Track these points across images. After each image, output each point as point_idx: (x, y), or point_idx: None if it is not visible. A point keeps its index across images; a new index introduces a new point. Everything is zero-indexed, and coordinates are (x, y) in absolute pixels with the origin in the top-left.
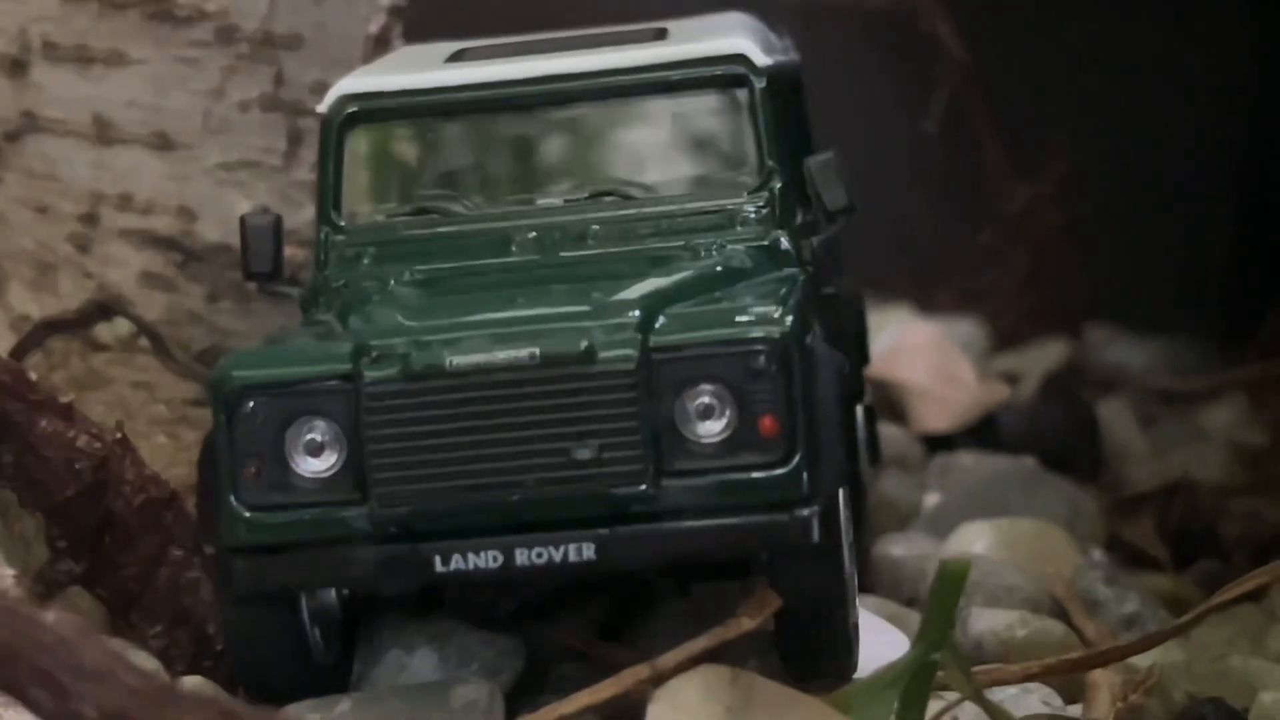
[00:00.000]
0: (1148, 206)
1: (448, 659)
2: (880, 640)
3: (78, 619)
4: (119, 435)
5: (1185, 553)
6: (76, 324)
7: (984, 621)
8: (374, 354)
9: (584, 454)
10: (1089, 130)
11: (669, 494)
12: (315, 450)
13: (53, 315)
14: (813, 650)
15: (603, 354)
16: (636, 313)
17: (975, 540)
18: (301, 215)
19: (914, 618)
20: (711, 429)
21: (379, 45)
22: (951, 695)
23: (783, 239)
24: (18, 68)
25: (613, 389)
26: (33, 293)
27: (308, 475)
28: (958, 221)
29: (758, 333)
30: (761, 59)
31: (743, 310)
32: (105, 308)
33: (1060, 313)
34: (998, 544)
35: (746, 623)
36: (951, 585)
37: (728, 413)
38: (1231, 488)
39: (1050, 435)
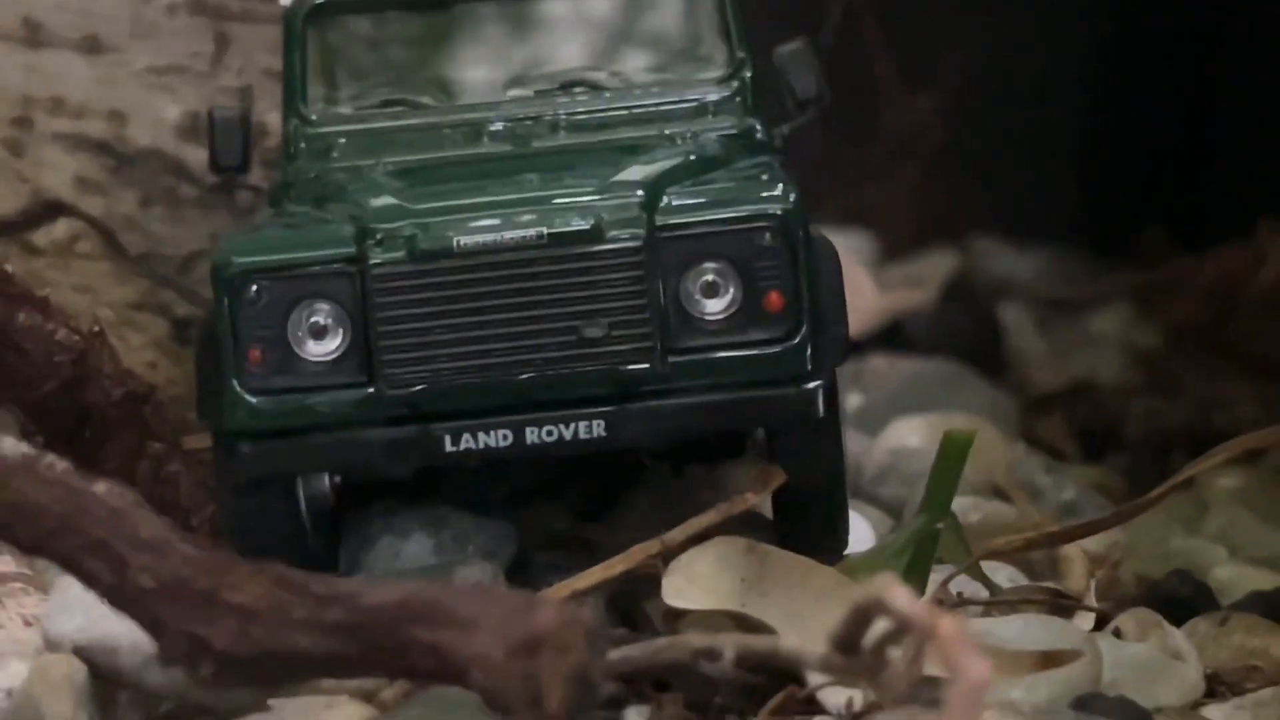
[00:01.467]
0: (1027, 120)
1: (443, 544)
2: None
3: (128, 491)
4: (96, 329)
5: (1092, 449)
6: (23, 224)
7: None
8: (379, 236)
9: (593, 332)
10: (977, 45)
11: (676, 371)
12: (319, 333)
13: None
14: (811, 524)
15: (610, 233)
16: (640, 193)
17: (909, 435)
18: None
19: (858, 506)
20: (717, 306)
21: None
22: (945, 568)
23: (756, 126)
24: None
25: (621, 267)
26: None
27: (312, 359)
28: (846, 135)
29: (763, 209)
30: None
31: (745, 189)
32: (53, 207)
33: (946, 225)
34: (931, 438)
35: (751, 498)
36: (955, 457)
37: (732, 290)
38: (1130, 388)
39: (956, 339)
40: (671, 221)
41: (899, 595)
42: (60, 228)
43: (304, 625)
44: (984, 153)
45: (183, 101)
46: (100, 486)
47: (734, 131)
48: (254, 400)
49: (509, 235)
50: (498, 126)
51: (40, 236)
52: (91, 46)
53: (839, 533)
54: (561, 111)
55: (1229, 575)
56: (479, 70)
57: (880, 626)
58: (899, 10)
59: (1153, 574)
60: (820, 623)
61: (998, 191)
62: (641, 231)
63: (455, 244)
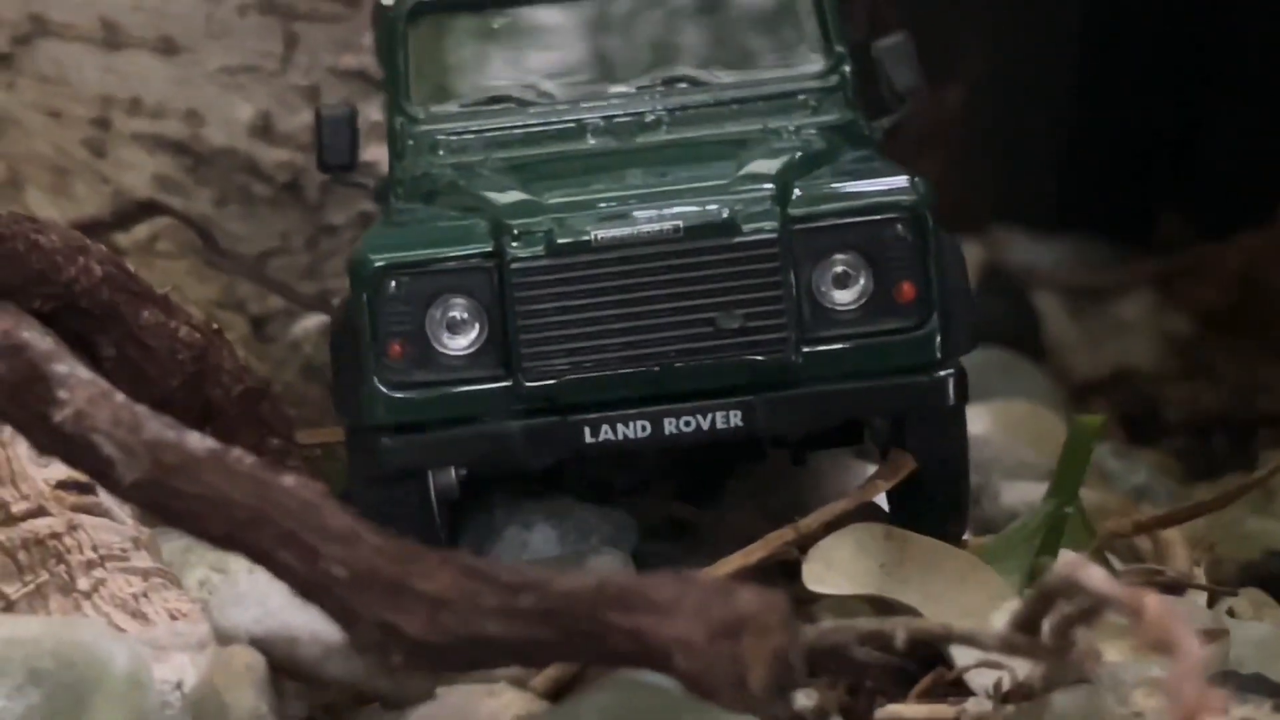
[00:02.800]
0: (1043, 110)
1: (566, 534)
2: None
3: (315, 483)
4: (215, 326)
5: (1135, 435)
6: (115, 224)
7: (1014, 493)
8: (516, 231)
9: (729, 323)
10: (997, 36)
11: (810, 361)
12: (457, 328)
13: (92, 215)
14: (935, 509)
15: (746, 225)
16: (771, 186)
17: (975, 421)
18: (298, 119)
19: None
20: (848, 296)
21: None
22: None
23: (858, 119)
24: None
25: (756, 259)
26: (50, 197)
27: (450, 352)
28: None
29: (895, 200)
30: None
31: (874, 181)
32: (146, 206)
33: (969, 216)
34: (996, 424)
35: (883, 485)
36: (1083, 443)
37: (863, 280)
38: (1167, 374)
39: (995, 328)
40: (805, 213)
41: (1096, 575)
42: (141, 226)
43: (495, 612)
44: (1003, 144)
45: (254, 101)
46: (289, 479)
47: (837, 124)
48: (394, 394)
49: (646, 228)
50: (601, 122)
51: (121, 235)
52: (167, 47)
53: (962, 517)
54: (664, 107)
55: None
56: (579, 66)
57: (1065, 607)
58: (919, 3)
59: (1238, 555)
60: (958, 605)
61: (1017, 182)
62: (776, 224)
63: (593, 238)
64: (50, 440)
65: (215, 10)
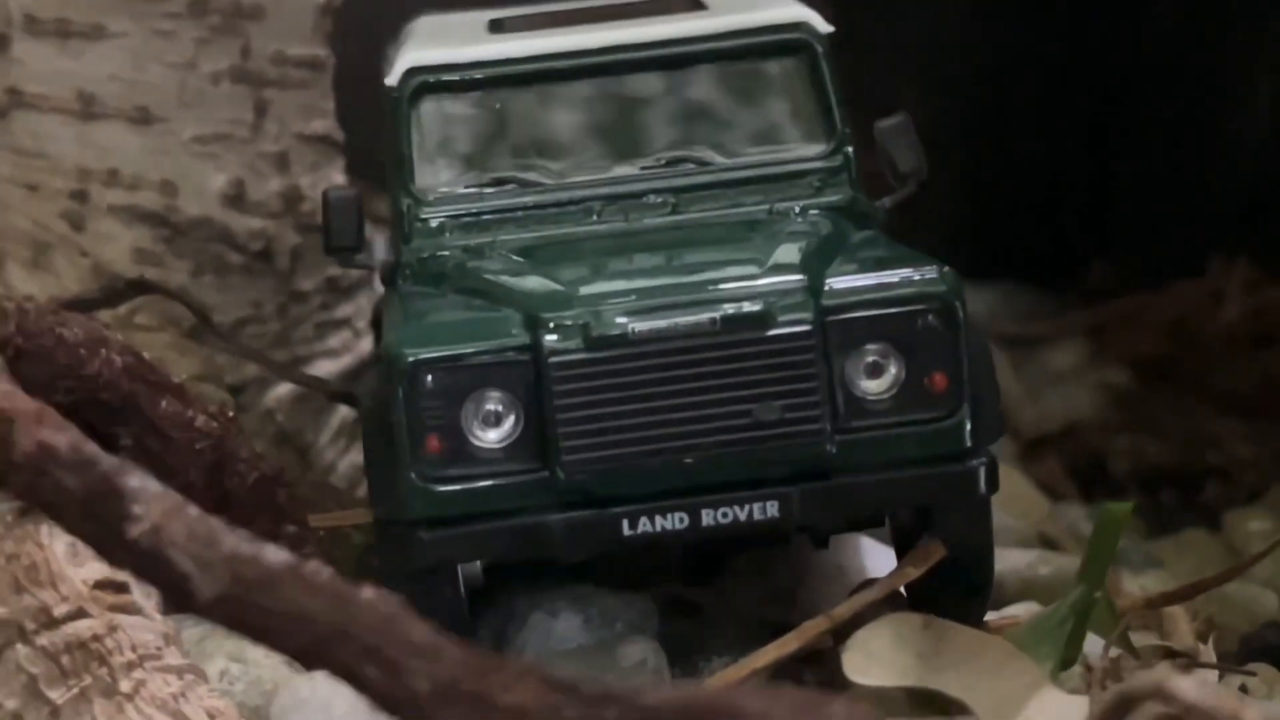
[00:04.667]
0: (970, 158)
1: (591, 621)
2: (879, 558)
3: (394, 597)
4: (230, 414)
5: (1084, 490)
6: (103, 301)
7: (1004, 561)
8: (551, 325)
9: (767, 415)
10: (925, 88)
11: (844, 450)
12: (493, 421)
13: (78, 294)
14: (964, 595)
15: (781, 317)
16: (802, 276)
17: None
18: (268, 186)
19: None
20: (880, 386)
21: (325, 15)
22: None
23: (860, 200)
24: (1, 43)
25: (792, 351)
26: (30, 272)
27: (486, 446)
28: None
29: (927, 291)
30: (824, 25)
31: (904, 270)
32: (136, 285)
33: None
34: None
35: (913, 572)
36: (1113, 528)
37: (894, 369)
38: (1110, 426)
39: None
40: (838, 304)
41: (1187, 686)
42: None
43: None
44: (931, 193)
45: (226, 169)
46: (368, 592)
47: (841, 205)
48: (431, 488)
49: (683, 321)
50: (607, 203)
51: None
52: (142, 117)
53: (985, 600)
54: (669, 187)
55: None
56: (584, 146)
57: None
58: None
59: (1235, 626)
60: (996, 694)
61: (944, 231)
62: (810, 315)
63: (630, 331)
64: (125, 556)
65: (188, 79)
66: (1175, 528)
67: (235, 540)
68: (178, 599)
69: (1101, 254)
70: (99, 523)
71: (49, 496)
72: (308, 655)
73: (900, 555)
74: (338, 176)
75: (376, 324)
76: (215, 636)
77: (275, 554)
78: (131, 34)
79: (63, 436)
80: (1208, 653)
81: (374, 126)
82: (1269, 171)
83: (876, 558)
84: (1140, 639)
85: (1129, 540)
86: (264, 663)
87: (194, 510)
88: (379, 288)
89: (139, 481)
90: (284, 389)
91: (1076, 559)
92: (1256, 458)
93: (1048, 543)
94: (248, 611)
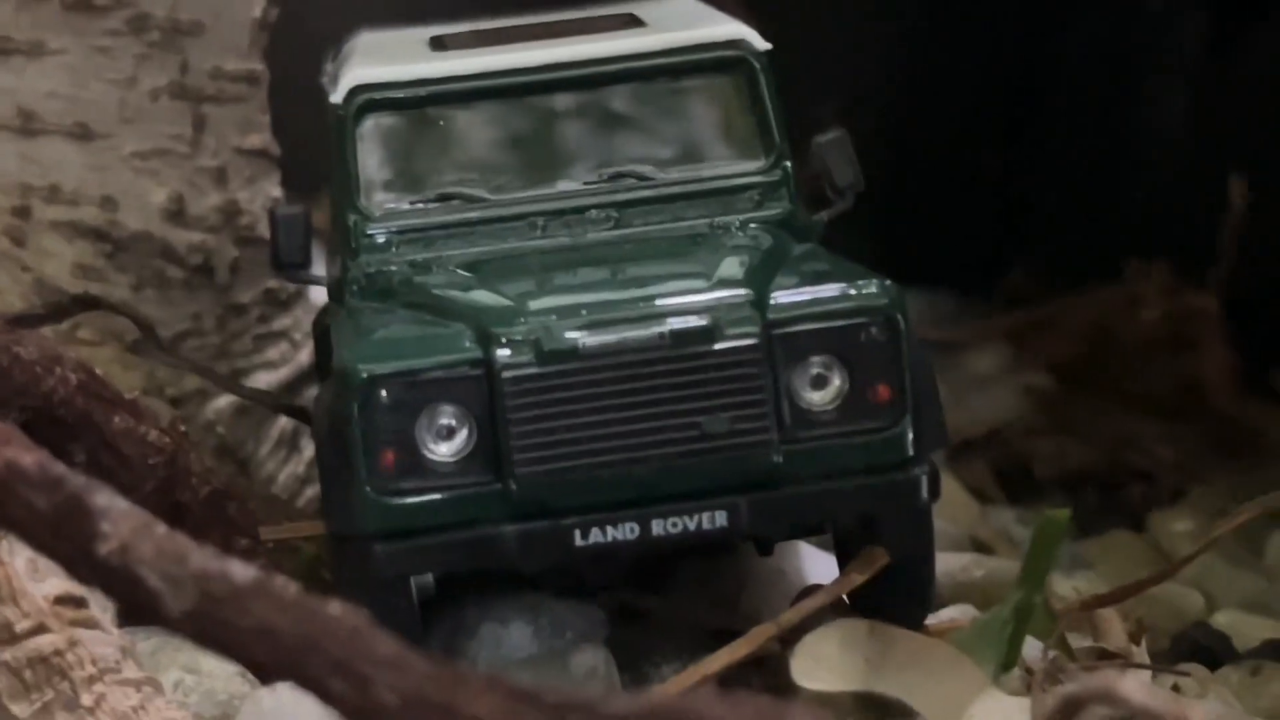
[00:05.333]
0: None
1: (541, 630)
2: (820, 563)
3: (359, 610)
4: (182, 429)
5: (1010, 493)
6: (49, 317)
7: (938, 565)
8: (504, 340)
9: (716, 427)
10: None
11: (791, 461)
12: (446, 435)
13: (22, 310)
14: (906, 600)
15: (729, 331)
16: (748, 291)
17: None
18: (207, 201)
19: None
20: (827, 397)
21: (262, 30)
22: None
23: (799, 213)
24: None
25: (739, 364)
26: None
27: (440, 459)
28: None
29: (870, 304)
30: (761, 43)
31: (847, 284)
32: (81, 301)
33: None
34: None
35: (857, 578)
36: (1051, 535)
37: (838, 381)
38: (1034, 430)
39: None
40: (783, 318)
41: (1133, 686)
42: None
43: None
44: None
45: (166, 184)
46: (334, 606)
47: (780, 219)
48: (386, 501)
49: (633, 336)
50: (552, 218)
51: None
52: (83, 133)
53: (927, 604)
54: (612, 202)
55: (1228, 622)
56: (527, 162)
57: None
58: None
59: (1166, 627)
60: (940, 697)
61: (865, 239)
62: (756, 329)
63: (581, 346)
64: (95, 574)
65: (128, 95)
66: (1100, 529)
67: (203, 557)
68: (148, 615)
69: (1020, 259)
70: (68, 541)
71: (17, 516)
72: (276, 669)
73: (842, 561)
74: (274, 190)
75: (317, 336)
76: (168, 649)
77: (242, 570)
78: (72, 51)
79: (30, 456)
80: (1141, 653)
81: (305, 137)
82: (1181, 177)
83: (816, 563)
84: (1075, 640)
85: (1067, 545)
86: (218, 674)
87: (162, 528)
88: (315, 299)
89: (107, 500)
90: (224, 401)
91: (1009, 561)
92: (1177, 459)
93: (980, 546)
94: (216, 627)
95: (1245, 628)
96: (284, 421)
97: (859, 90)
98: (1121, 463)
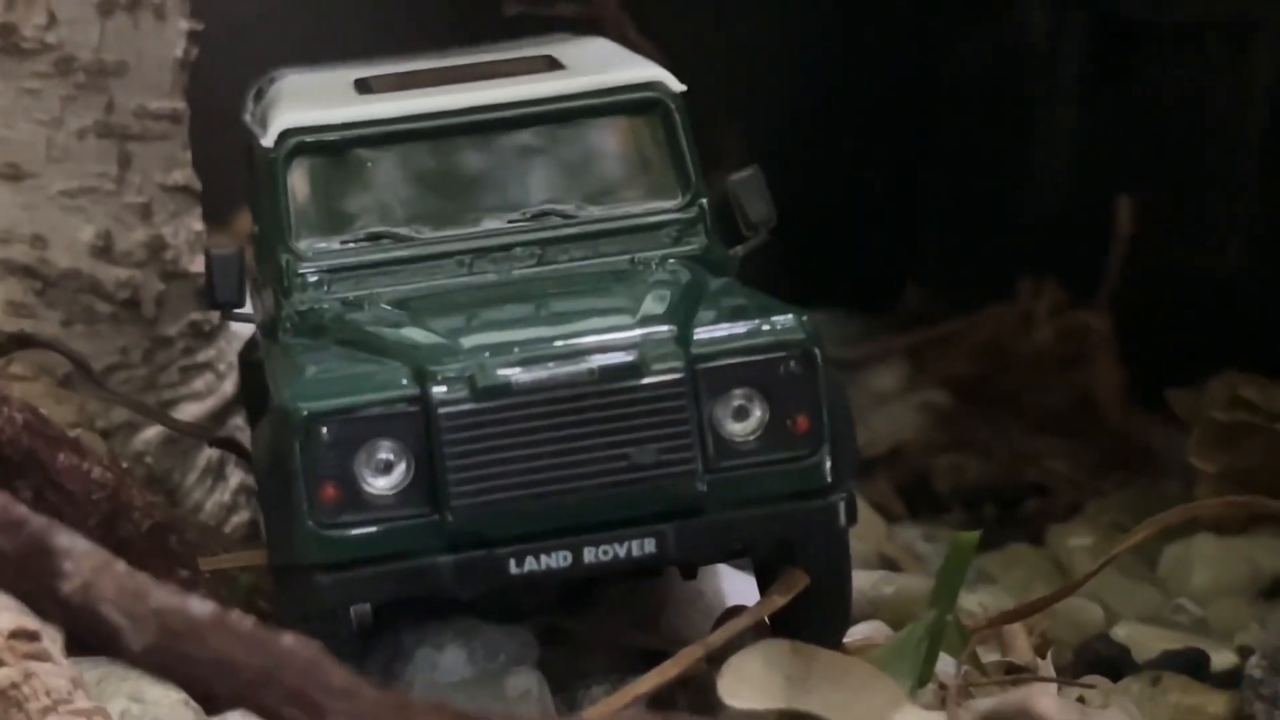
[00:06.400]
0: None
1: (475, 654)
2: (739, 584)
3: (312, 642)
4: (124, 465)
5: (911, 509)
6: None
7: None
8: (439, 376)
9: (644, 458)
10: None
11: (714, 489)
12: (384, 469)
13: None
14: (824, 620)
15: (654, 366)
16: (672, 327)
17: None
18: (133, 237)
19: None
20: (749, 428)
21: (183, 69)
22: None
23: (716, 248)
24: None
25: (665, 398)
26: None
27: (378, 493)
28: None
29: (788, 339)
30: (676, 84)
31: (765, 320)
32: (17, 339)
33: None
34: None
35: (779, 600)
36: (962, 555)
37: (758, 412)
38: (933, 446)
39: None
40: (706, 352)
41: (1049, 704)
42: None
43: None
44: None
45: (94, 221)
46: (288, 638)
47: (698, 255)
48: (328, 534)
49: (563, 372)
50: (478, 255)
51: None
52: (13, 173)
53: (844, 624)
54: (535, 239)
55: (1126, 634)
56: (453, 202)
57: None
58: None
59: (1068, 639)
60: (859, 713)
61: (766, 261)
62: (681, 364)
63: (514, 382)
64: (58, 612)
65: (55, 135)
66: (999, 543)
67: (162, 593)
68: (109, 650)
69: (917, 279)
70: (32, 580)
71: None
72: (234, 700)
73: (761, 583)
74: (196, 224)
75: (243, 367)
76: (113, 678)
77: (200, 605)
78: (1, 93)
79: None
80: (1047, 667)
81: (216, 168)
82: (1068, 197)
83: (734, 583)
84: (983, 655)
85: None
86: (162, 702)
87: (121, 565)
88: (238, 330)
89: (68, 540)
90: (152, 432)
91: (917, 578)
92: (1071, 474)
93: (887, 563)
94: (176, 660)
95: (1144, 639)
96: (210, 452)
97: (755, 116)
98: (1018, 477)
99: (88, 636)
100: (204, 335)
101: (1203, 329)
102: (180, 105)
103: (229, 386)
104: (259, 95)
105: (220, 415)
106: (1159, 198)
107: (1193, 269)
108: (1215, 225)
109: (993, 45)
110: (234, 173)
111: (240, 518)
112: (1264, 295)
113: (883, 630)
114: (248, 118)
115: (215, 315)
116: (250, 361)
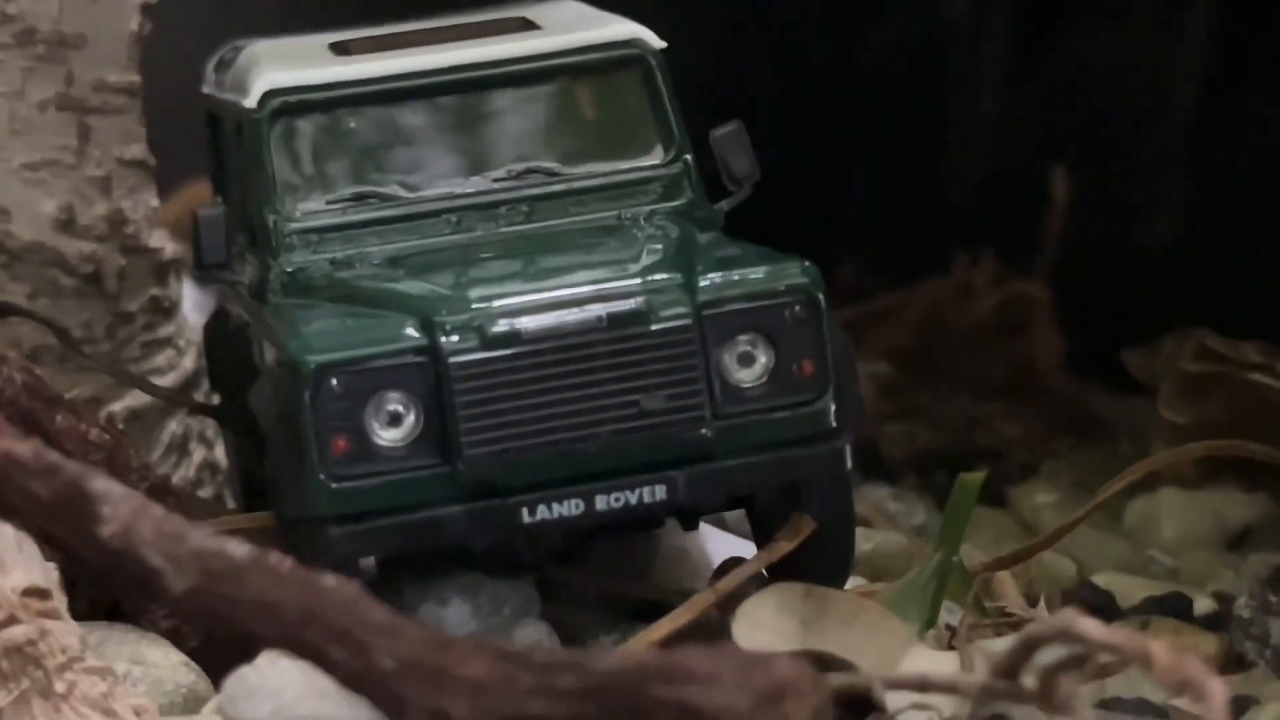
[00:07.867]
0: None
1: (480, 608)
2: (724, 542)
3: (352, 580)
4: (121, 427)
5: (866, 475)
6: None
7: None
8: (448, 327)
9: (653, 404)
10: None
11: (722, 435)
12: (394, 420)
13: None
14: (829, 566)
15: (662, 313)
16: (677, 275)
17: None
18: (94, 211)
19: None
20: (755, 374)
21: (139, 42)
22: None
23: (701, 203)
24: None
25: (674, 344)
26: None
27: (388, 444)
28: None
29: (792, 284)
30: (657, 41)
31: (769, 267)
32: (3, 308)
33: None
34: None
35: (785, 545)
36: (967, 496)
37: (764, 359)
38: (881, 415)
39: None
40: (712, 299)
41: (1092, 625)
42: None
43: (535, 693)
44: None
45: (55, 195)
46: (329, 578)
47: (684, 209)
48: (339, 487)
49: (571, 319)
50: (466, 213)
51: None
52: None
53: (848, 568)
54: (521, 197)
55: (1105, 583)
56: (438, 161)
57: (1051, 654)
58: None
59: (1055, 587)
60: (873, 653)
61: None
62: (688, 310)
63: (522, 330)
64: (98, 557)
65: (17, 107)
66: None
67: (200, 535)
68: (152, 595)
69: (850, 256)
70: (70, 526)
71: (17, 503)
72: (277, 640)
73: (759, 533)
74: (153, 200)
75: (209, 340)
76: (111, 641)
77: (239, 546)
78: None
79: (25, 445)
80: (1041, 613)
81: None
82: (998, 171)
83: (715, 541)
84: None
85: (933, 519)
86: (163, 664)
87: (158, 509)
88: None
89: (104, 484)
90: (118, 406)
91: (892, 534)
92: (1024, 436)
93: (861, 521)
94: (218, 602)
95: (1124, 587)
96: (174, 428)
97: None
98: (969, 443)
99: (129, 581)
100: (164, 311)
101: (1138, 297)
102: (136, 79)
103: (189, 362)
104: (222, 65)
105: (182, 390)
106: (1089, 169)
107: (1124, 239)
108: (1145, 195)
109: (920, 18)
110: (177, 149)
111: (205, 493)
112: (1195, 262)
113: (861, 585)
114: (209, 88)
115: (174, 291)
116: (221, 332)
